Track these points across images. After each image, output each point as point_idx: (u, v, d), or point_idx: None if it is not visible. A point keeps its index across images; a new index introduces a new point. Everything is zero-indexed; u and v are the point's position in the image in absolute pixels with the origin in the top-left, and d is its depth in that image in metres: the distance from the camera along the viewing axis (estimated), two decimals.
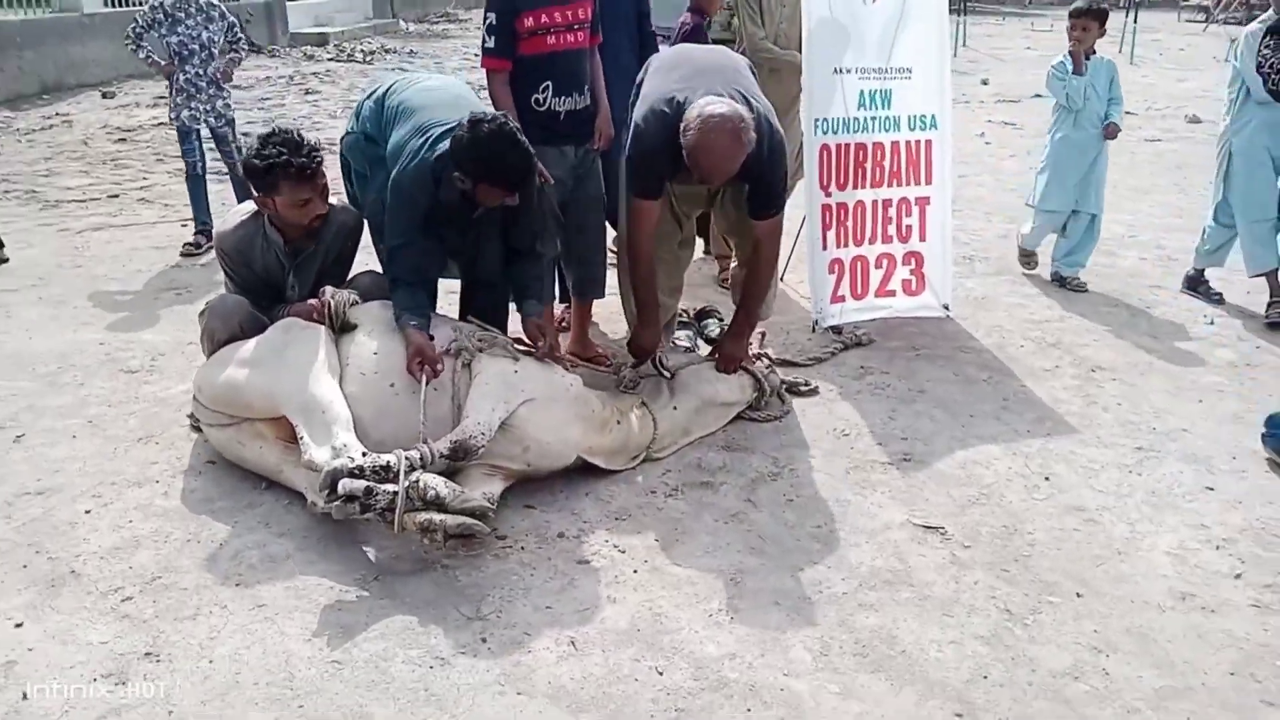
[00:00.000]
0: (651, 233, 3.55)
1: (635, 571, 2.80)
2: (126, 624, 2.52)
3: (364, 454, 2.76)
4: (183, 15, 5.47)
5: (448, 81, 3.70)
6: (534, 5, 3.57)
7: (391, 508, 2.66)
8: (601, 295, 4.13)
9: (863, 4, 4.40)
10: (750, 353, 3.83)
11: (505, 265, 3.50)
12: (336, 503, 2.64)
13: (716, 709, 2.30)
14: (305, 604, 2.61)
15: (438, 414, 3.00)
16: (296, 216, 3.26)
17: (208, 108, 5.59)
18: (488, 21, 3.61)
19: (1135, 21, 17.53)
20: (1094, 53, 5.04)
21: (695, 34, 5.31)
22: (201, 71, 5.53)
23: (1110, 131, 5.04)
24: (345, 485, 2.63)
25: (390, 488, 2.68)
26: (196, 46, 5.50)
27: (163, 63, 5.53)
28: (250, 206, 3.42)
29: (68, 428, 3.52)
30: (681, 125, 3.15)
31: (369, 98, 3.60)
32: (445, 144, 3.13)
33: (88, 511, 3.00)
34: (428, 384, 3.00)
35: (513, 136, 3.03)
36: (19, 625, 2.51)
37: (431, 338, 3.10)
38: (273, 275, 3.42)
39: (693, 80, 3.35)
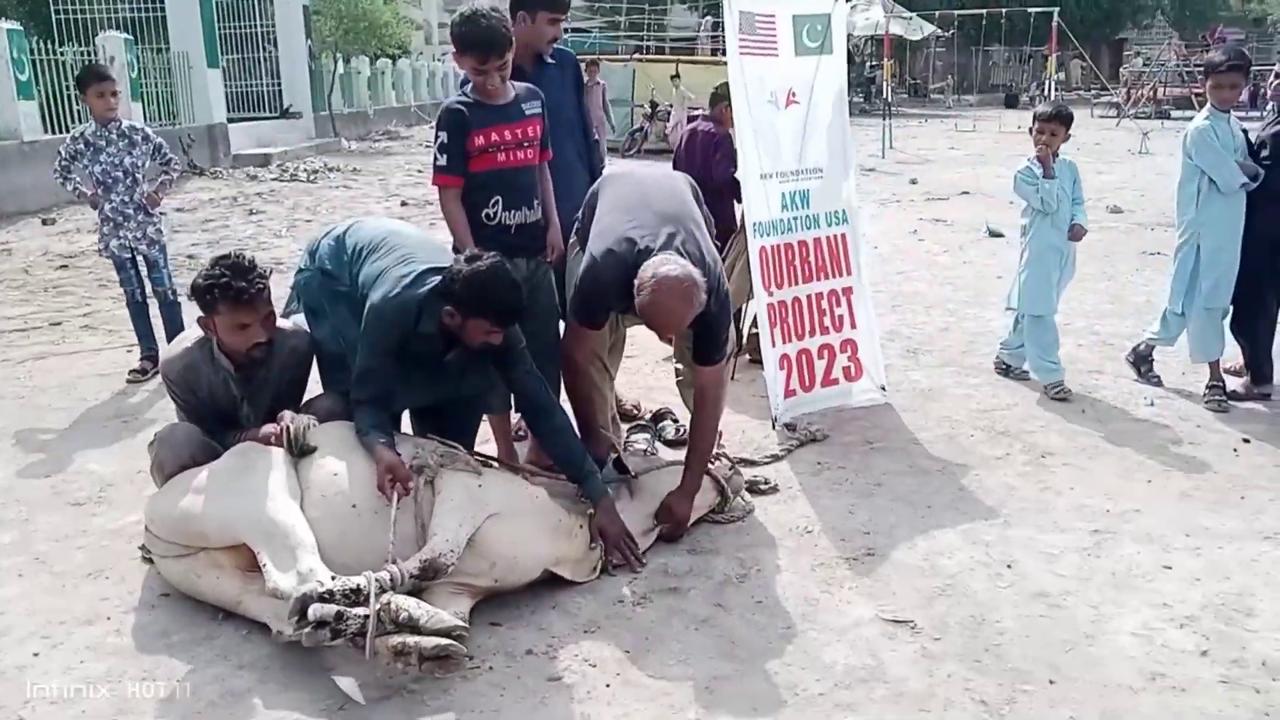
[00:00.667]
0: (589, 353, 3.67)
1: (608, 685, 2.75)
2: None
3: (333, 578, 2.70)
4: (104, 144, 5.35)
5: (410, 227, 3.77)
6: (484, 124, 3.66)
7: (363, 632, 2.60)
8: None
9: (776, 111, 4.65)
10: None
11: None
12: (307, 629, 2.57)
13: None
14: None
15: (403, 533, 2.97)
16: (235, 341, 3.25)
17: (137, 235, 5.44)
18: (439, 140, 3.69)
19: None
20: (1057, 155, 5.04)
21: (723, 145, 5.42)
22: (127, 199, 5.39)
23: (1076, 233, 5.04)
24: (315, 611, 2.57)
25: (361, 611, 2.62)
26: (120, 174, 5.37)
27: (89, 193, 5.41)
28: (196, 332, 3.40)
29: (13, 565, 3.41)
30: (636, 282, 3.23)
31: (326, 236, 3.63)
32: (433, 279, 3.17)
33: (36, 654, 2.88)
34: (398, 502, 2.97)
35: (509, 275, 3.14)
36: None
37: (398, 455, 3.09)
38: (220, 402, 3.38)
39: (654, 226, 3.44)
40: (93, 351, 6.06)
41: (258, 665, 2.82)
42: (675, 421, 4.55)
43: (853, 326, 4.87)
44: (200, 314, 3.27)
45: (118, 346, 6.08)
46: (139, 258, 5.53)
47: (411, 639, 2.61)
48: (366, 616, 2.62)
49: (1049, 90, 20.56)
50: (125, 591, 3.23)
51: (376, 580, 2.70)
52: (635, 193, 3.67)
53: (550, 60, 4.20)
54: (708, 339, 3.52)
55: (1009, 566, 3.38)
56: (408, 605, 2.67)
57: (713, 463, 3.75)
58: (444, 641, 2.62)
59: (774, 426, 4.53)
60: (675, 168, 5.32)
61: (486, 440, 4.03)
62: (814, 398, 4.74)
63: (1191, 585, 3.25)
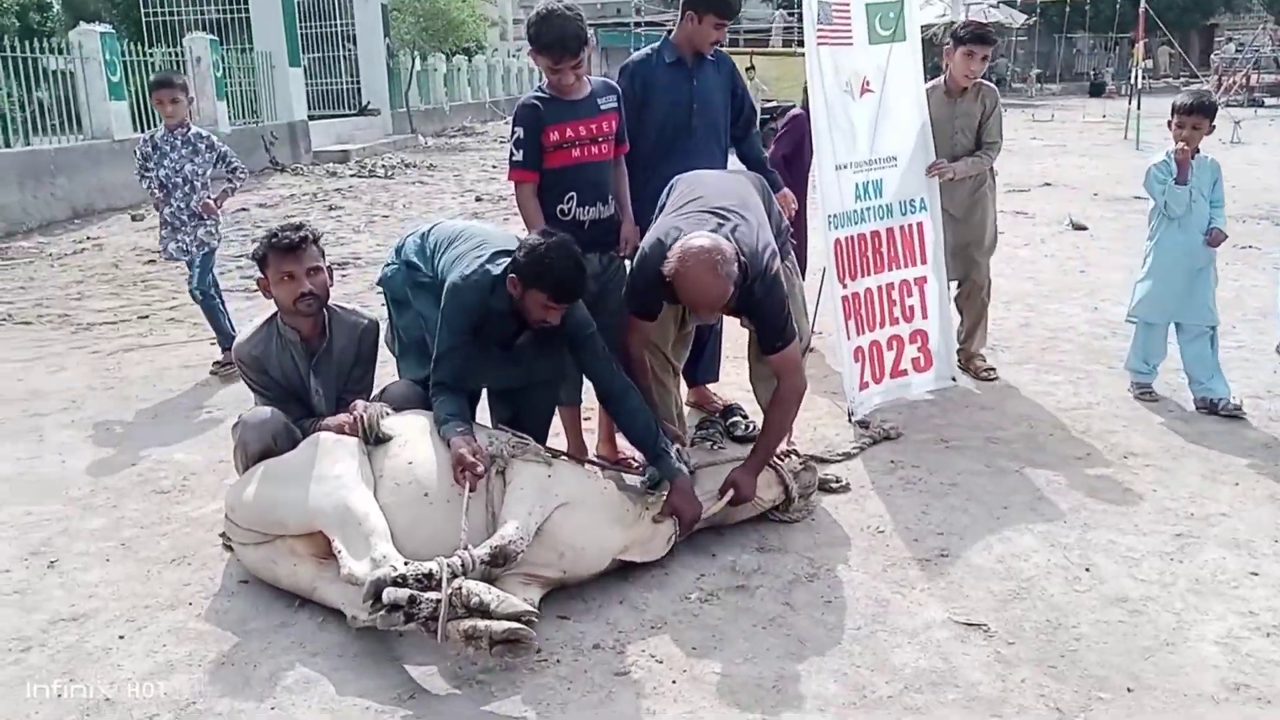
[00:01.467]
0: (642, 343, 3.67)
1: (674, 682, 2.75)
2: None
3: (405, 563, 2.75)
4: (168, 149, 5.49)
5: (489, 224, 3.89)
6: (559, 120, 3.70)
7: (435, 616, 2.64)
8: None
9: (852, 100, 4.59)
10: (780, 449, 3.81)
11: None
12: (381, 613, 2.63)
13: None
14: None
15: (474, 522, 3.00)
16: (282, 294, 3.43)
17: (190, 238, 5.54)
18: (515, 136, 3.74)
19: (1139, 108, 17.84)
20: (1198, 151, 4.63)
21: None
22: (184, 205, 5.49)
23: (1214, 238, 4.58)
24: (389, 594, 2.62)
25: (434, 596, 2.66)
26: (179, 180, 5.49)
27: (156, 195, 5.56)
28: (265, 316, 3.60)
29: (101, 551, 3.53)
30: (667, 257, 3.24)
31: (412, 235, 3.78)
32: (505, 259, 3.27)
33: (121, 637, 2.99)
34: (471, 491, 3.01)
35: (575, 254, 3.18)
36: None
37: (474, 444, 3.13)
38: (291, 377, 3.52)
39: (703, 218, 3.44)
40: (178, 344, 6.26)
41: (331, 653, 2.88)
42: (745, 418, 4.52)
43: (923, 317, 4.83)
44: (260, 277, 3.51)
45: (202, 339, 6.26)
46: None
47: (482, 623, 2.65)
48: (439, 601, 2.66)
49: (1135, 79, 19.93)
50: (206, 578, 3.33)
51: (448, 566, 2.74)
52: (695, 191, 3.69)
53: (710, 59, 4.27)
54: (763, 325, 3.51)
55: (1087, 570, 3.29)
56: (479, 590, 2.70)
57: (782, 459, 3.72)
58: (514, 625, 2.64)
59: (850, 420, 4.47)
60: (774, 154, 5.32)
61: (557, 433, 4.05)
62: (883, 389, 4.73)
63: (1279, 593, 3.14)
